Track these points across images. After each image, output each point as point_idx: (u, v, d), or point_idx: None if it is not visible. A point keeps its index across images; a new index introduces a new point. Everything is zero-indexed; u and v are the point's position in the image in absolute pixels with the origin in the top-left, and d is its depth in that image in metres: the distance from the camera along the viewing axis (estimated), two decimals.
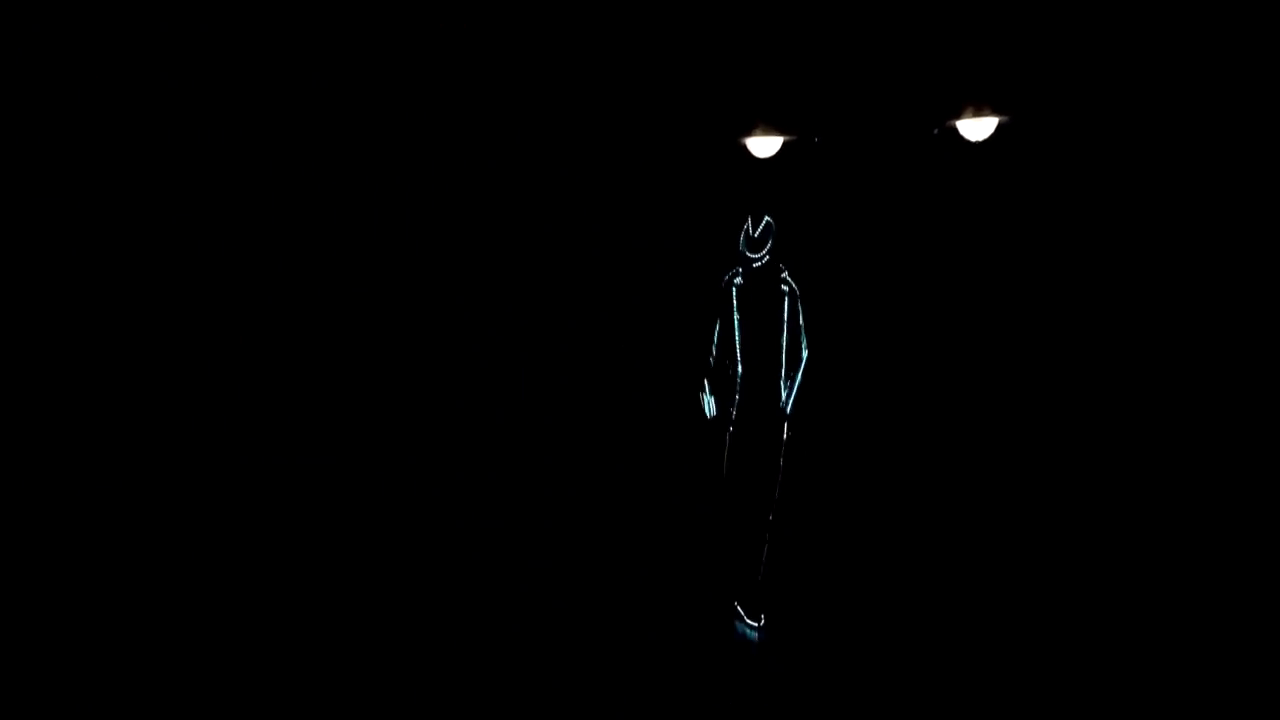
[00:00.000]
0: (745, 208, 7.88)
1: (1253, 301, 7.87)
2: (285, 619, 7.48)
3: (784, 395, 7.63)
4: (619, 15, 8.33)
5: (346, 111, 8.49)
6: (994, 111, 8.01)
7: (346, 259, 8.55)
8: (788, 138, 8.33)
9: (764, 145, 8.35)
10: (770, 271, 7.68)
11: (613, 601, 7.88)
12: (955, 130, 8.06)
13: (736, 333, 7.67)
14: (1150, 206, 8.04)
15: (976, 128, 8.04)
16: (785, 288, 7.68)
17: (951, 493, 8.32)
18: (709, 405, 7.72)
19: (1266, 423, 7.84)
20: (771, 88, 8.45)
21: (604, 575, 8.22)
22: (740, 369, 7.65)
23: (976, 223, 8.37)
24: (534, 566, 8.22)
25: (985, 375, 8.39)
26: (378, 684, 6.54)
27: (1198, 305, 7.95)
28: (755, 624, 7.69)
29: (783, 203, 8.34)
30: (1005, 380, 8.35)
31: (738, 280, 7.79)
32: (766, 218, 7.77)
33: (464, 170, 8.71)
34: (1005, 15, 8.05)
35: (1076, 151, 8.16)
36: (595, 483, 8.58)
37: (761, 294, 7.67)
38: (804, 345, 7.58)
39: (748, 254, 7.74)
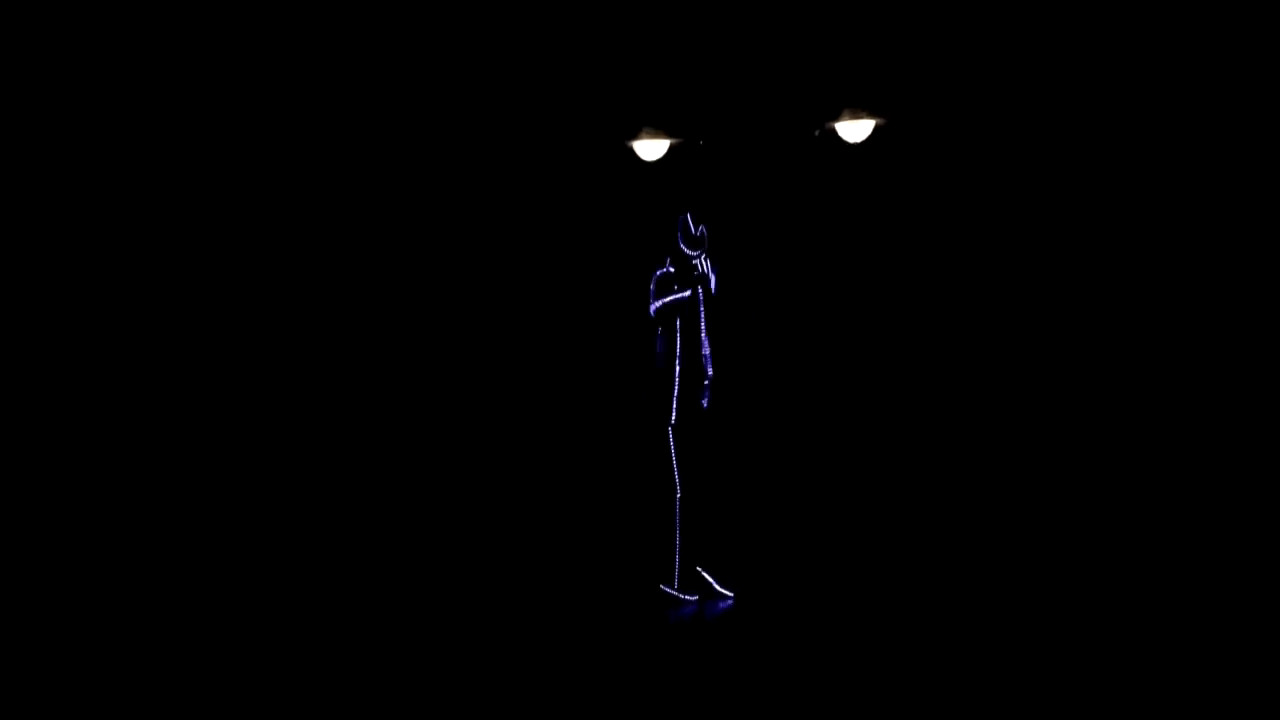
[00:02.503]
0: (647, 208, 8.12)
1: (1111, 293, 8.39)
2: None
3: (708, 388, 7.91)
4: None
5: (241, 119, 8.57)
6: (871, 115, 8.40)
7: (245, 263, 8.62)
8: (674, 141, 8.61)
9: (651, 148, 8.63)
10: (701, 268, 7.90)
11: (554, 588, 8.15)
12: (834, 132, 8.44)
13: (676, 328, 7.92)
14: (1019, 205, 8.49)
15: (854, 130, 8.43)
16: (711, 283, 7.92)
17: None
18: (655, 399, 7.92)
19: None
20: (658, 92, 8.71)
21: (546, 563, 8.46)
22: (678, 364, 7.88)
23: (855, 220, 8.73)
24: (477, 558, 8.44)
25: (860, 363, 8.75)
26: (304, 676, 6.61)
27: (1066, 298, 8.44)
28: (691, 598, 8.04)
29: (669, 203, 8.64)
30: (877, 367, 8.73)
31: (666, 273, 8.02)
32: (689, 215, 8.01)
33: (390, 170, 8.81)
34: (881, 23, 8.44)
35: (949, 152, 8.58)
36: (536, 475, 8.75)
37: (693, 289, 7.90)
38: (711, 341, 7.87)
39: (686, 250, 7.97)
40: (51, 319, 8.29)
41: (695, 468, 8.09)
